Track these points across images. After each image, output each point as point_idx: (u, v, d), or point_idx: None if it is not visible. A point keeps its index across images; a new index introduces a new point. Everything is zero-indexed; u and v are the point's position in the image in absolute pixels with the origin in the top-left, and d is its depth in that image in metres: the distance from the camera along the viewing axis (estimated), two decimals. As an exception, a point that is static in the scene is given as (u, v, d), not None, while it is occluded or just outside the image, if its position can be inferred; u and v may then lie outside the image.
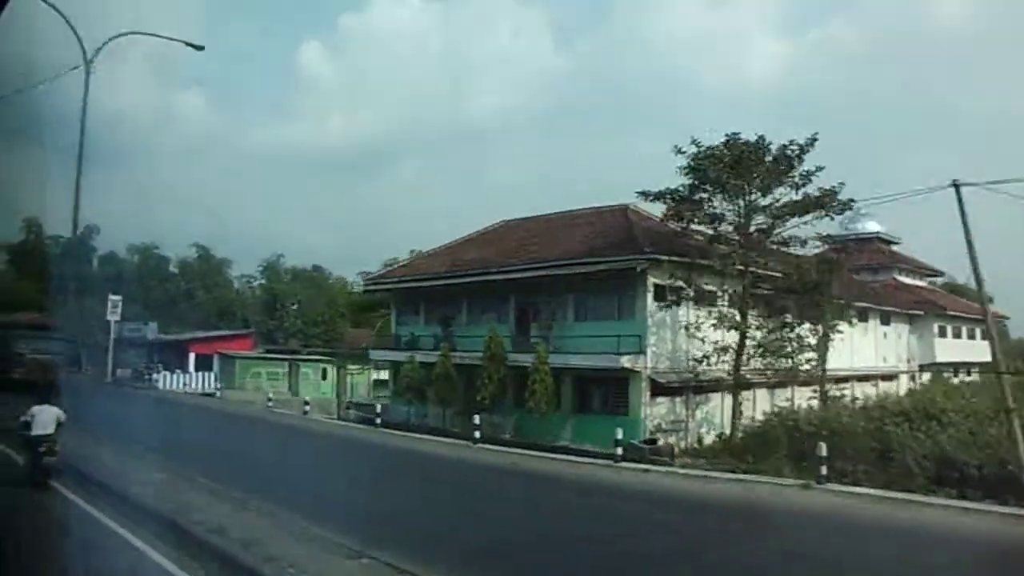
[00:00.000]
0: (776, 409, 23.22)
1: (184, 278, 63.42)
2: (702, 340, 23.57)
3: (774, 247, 24.18)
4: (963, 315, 39.51)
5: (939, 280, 49.32)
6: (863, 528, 11.43)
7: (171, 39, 20.98)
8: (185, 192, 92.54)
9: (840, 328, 27.85)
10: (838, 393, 27.61)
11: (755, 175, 23.30)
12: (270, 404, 32.19)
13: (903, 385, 37.20)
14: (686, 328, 23.97)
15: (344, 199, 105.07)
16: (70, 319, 31.99)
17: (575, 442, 24.37)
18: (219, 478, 12.60)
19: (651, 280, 24.49)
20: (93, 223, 56.74)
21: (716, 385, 25.42)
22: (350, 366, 39.70)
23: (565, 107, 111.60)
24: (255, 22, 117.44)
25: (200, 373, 43.02)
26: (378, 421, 24.86)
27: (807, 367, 24.84)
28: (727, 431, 24.93)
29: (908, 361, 38.67)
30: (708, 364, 24.07)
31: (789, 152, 23.13)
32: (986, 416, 18.20)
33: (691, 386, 25.26)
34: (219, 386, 38.89)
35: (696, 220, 24.45)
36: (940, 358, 39.04)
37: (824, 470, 14.85)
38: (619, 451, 18.68)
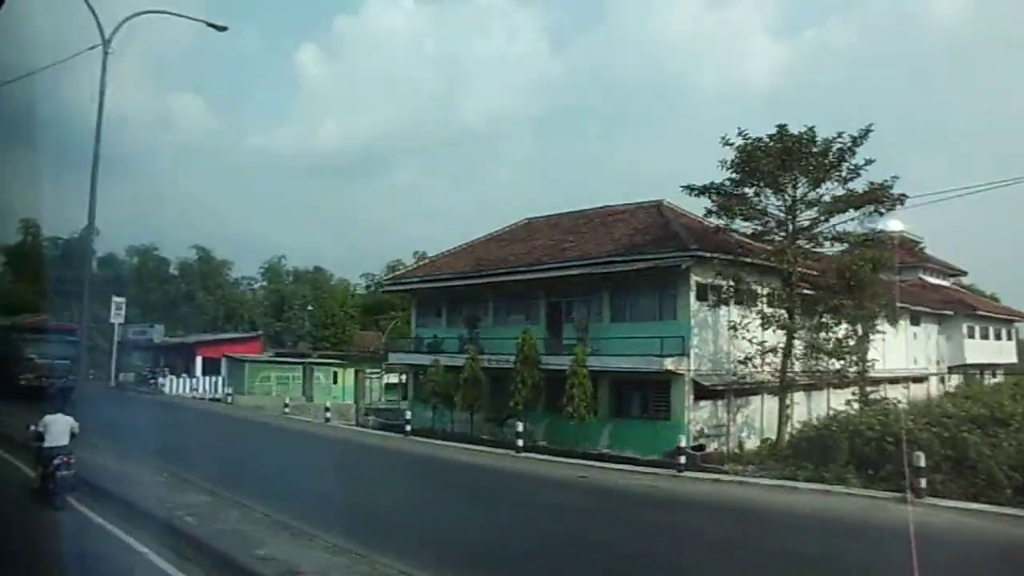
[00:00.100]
0: (832, 412, 22.10)
1: (184, 280, 62.23)
2: (749, 341, 22.54)
3: (827, 243, 23.17)
4: (993, 315, 38.69)
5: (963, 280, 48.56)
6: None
7: (193, 19, 19.74)
8: (183, 194, 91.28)
9: (881, 329, 26.92)
10: (879, 396, 26.69)
11: (804, 168, 22.30)
12: (287, 411, 30.91)
13: (932, 387, 36.39)
14: (733, 328, 22.88)
15: (342, 202, 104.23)
16: (69, 322, 30.75)
17: (614, 448, 23.36)
18: (266, 500, 11.11)
19: (694, 278, 23.47)
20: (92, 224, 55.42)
21: (756, 388, 24.47)
22: (368, 370, 38.36)
23: (564, 109, 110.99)
24: (254, 23, 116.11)
25: (207, 377, 41.69)
26: (408, 429, 23.62)
27: (856, 368, 23.82)
28: (768, 436, 24.03)
29: (937, 363, 37.77)
30: (752, 366, 23.08)
31: (840, 144, 22.14)
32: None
33: (733, 389, 24.25)
34: (230, 391, 37.50)
35: (741, 216, 23.42)
36: (969, 359, 38.17)
37: (924, 482, 13.76)
38: (682, 459, 17.58)
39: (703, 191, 23.17)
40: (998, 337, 40.06)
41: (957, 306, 38.68)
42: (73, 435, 11.62)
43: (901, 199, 22.42)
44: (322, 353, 46.75)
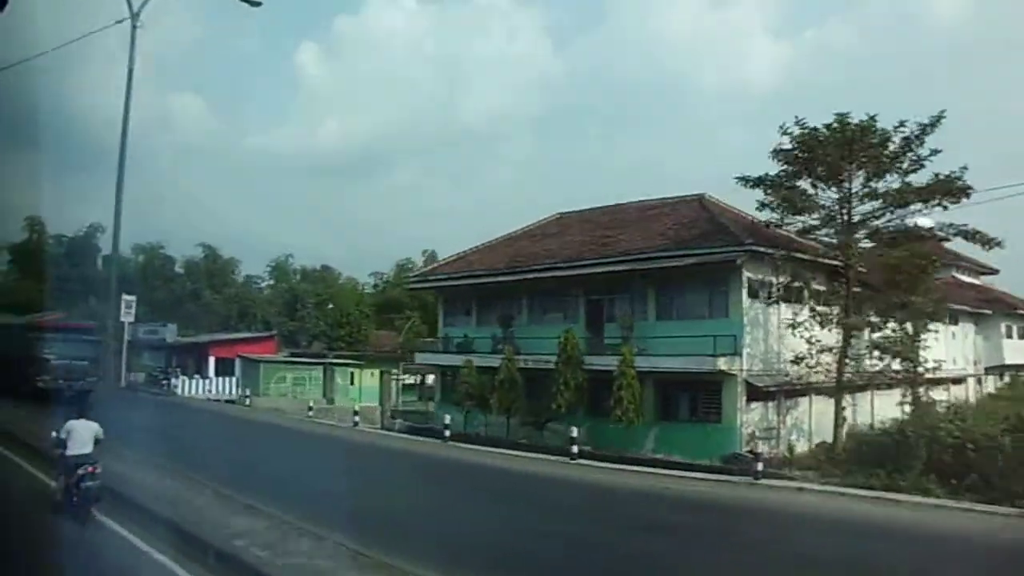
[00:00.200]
0: (899, 415, 21.06)
1: (190, 278, 60.99)
2: (808, 340, 21.44)
3: (891, 238, 22.09)
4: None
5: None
6: None
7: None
8: (183, 194, 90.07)
9: (932, 328, 25.87)
10: (926, 399, 25.66)
11: (865, 159, 21.22)
12: (311, 414, 29.67)
13: (971, 389, 35.35)
14: (792, 326, 21.75)
15: (342, 202, 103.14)
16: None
17: (659, 452, 22.23)
18: (334, 526, 9.60)
19: (746, 275, 22.38)
20: (97, 222, 54.33)
21: (806, 389, 23.41)
22: (393, 370, 37.14)
23: (564, 108, 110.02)
24: (255, 23, 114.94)
25: (221, 378, 40.42)
26: (447, 434, 22.39)
27: (918, 368, 22.74)
28: (818, 439, 22.99)
29: (975, 363, 36.70)
30: (806, 366, 22.01)
31: (904, 133, 21.05)
32: None
33: (785, 390, 23.17)
34: (247, 393, 36.23)
35: (796, 209, 22.33)
36: (1008, 360, 37.09)
37: None
38: (759, 466, 16.43)
39: (757, 183, 22.07)
40: (1022, 337, 39.01)
41: (996, 305, 37.61)
42: (97, 442, 10.56)
43: (967, 192, 21.37)
44: (338, 353, 45.47)
